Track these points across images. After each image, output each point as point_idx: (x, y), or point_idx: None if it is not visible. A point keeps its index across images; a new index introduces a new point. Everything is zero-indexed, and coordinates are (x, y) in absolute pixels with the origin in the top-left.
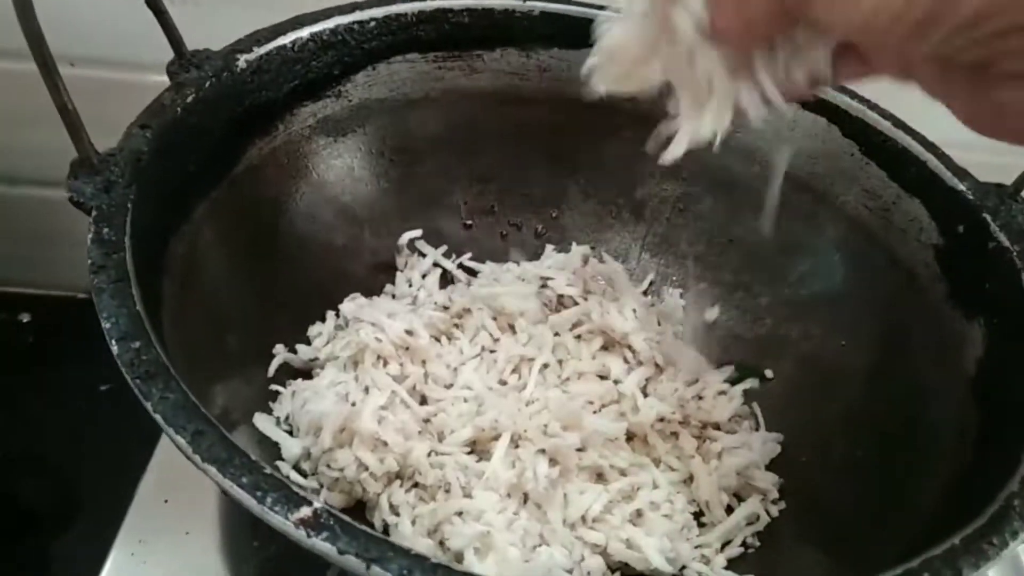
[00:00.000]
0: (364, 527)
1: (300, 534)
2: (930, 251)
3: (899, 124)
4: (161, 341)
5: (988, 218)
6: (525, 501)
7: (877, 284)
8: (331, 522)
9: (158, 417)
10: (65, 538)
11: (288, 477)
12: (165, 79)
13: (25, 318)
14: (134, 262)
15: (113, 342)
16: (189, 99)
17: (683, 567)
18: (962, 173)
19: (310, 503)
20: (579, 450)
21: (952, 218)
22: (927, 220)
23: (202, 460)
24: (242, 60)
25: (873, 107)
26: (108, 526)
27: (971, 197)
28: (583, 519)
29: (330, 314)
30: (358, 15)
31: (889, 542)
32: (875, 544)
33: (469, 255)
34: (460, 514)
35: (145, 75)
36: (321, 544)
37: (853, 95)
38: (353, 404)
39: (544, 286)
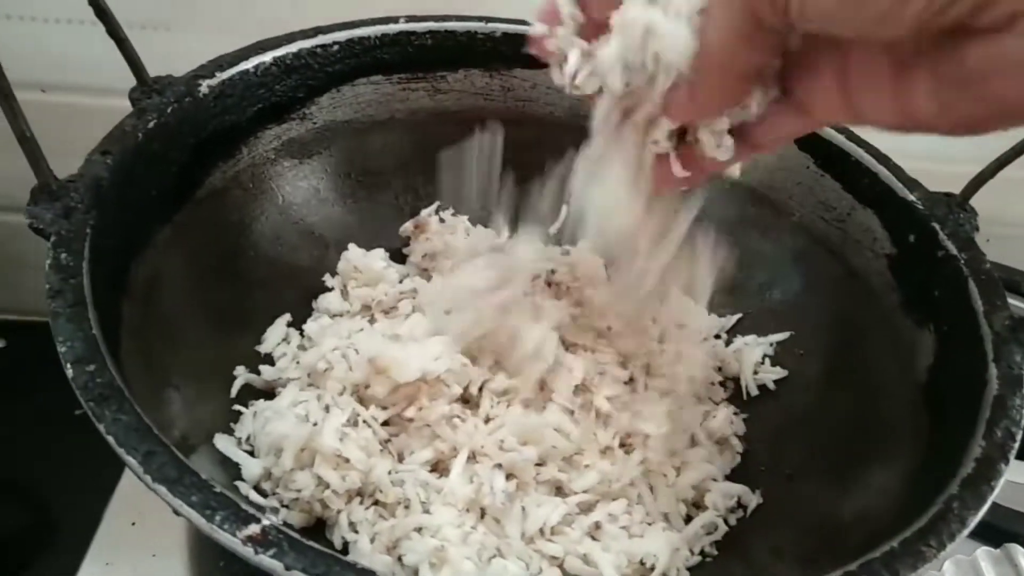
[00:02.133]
0: (314, 544)
1: (248, 551)
2: (883, 261)
3: (852, 137)
4: (118, 363)
5: (937, 227)
6: (483, 516)
7: (834, 294)
8: (279, 539)
9: (110, 439)
10: (38, 564)
11: (247, 497)
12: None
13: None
14: (92, 286)
15: (68, 365)
16: (151, 125)
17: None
18: (912, 183)
19: (258, 520)
20: (539, 465)
21: (904, 228)
22: (880, 230)
23: (152, 480)
24: (204, 85)
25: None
26: (80, 550)
27: (921, 207)
28: (541, 532)
29: (294, 333)
30: (321, 39)
31: (845, 547)
32: (830, 550)
33: None
34: (420, 530)
35: (115, 100)
36: (269, 561)
37: None
38: (315, 424)
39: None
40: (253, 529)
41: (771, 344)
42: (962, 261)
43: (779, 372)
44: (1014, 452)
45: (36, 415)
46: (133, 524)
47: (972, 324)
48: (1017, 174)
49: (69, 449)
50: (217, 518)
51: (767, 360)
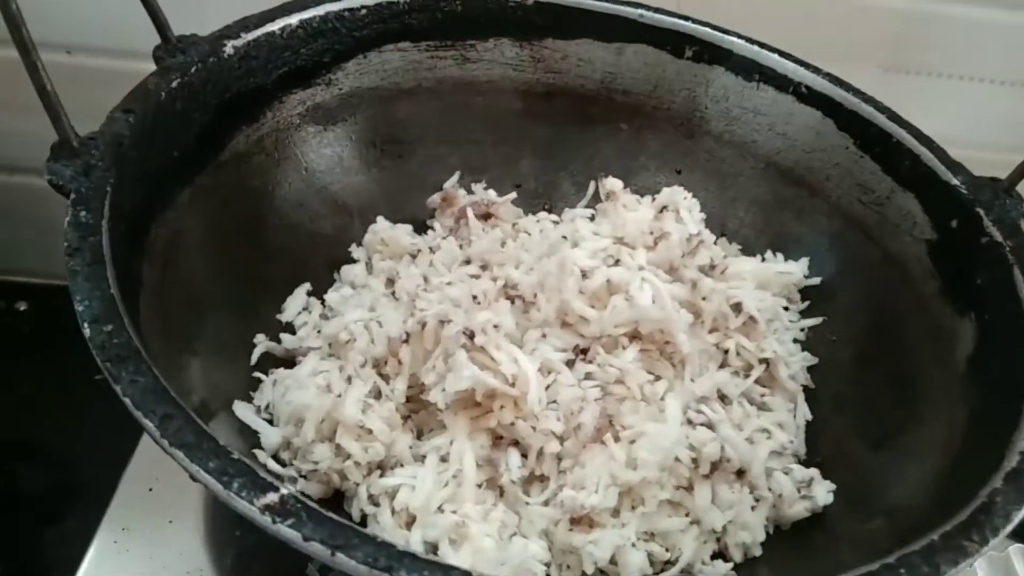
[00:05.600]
0: (332, 515)
1: (265, 520)
2: (923, 246)
3: (894, 117)
4: (136, 325)
5: (982, 212)
6: (502, 494)
7: (869, 279)
8: (298, 508)
9: (127, 400)
10: (58, 523)
11: (266, 466)
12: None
13: (23, 307)
14: (111, 245)
15: (85, 325)
16: (174, 84)
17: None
18: (957, 167)
19: (276, 489)
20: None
21: (946, 213)
22: (921, 215)
23: (170, 444)
24: (229, 46)
25: (868, 100)
26: (99, 512)
27: (965, 191)
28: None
29: (315, 302)
30: (348, 2)
31: (879, 538)
32: (861, 543)
33: None
34: (440, 505)
35: (141, 64)
36: (286, 530)
37: (848, 88)
38: (338, 395)
39: None
40: (271, 498)
41: (801, 330)
42: (1007, 248)
43: (809, 359)
44: None
45: (58, 378)
46: (150, 490)
47: (1016, 313)
48: None
49: (89, 413)
50: (235, 485)
51: (797, 345)
